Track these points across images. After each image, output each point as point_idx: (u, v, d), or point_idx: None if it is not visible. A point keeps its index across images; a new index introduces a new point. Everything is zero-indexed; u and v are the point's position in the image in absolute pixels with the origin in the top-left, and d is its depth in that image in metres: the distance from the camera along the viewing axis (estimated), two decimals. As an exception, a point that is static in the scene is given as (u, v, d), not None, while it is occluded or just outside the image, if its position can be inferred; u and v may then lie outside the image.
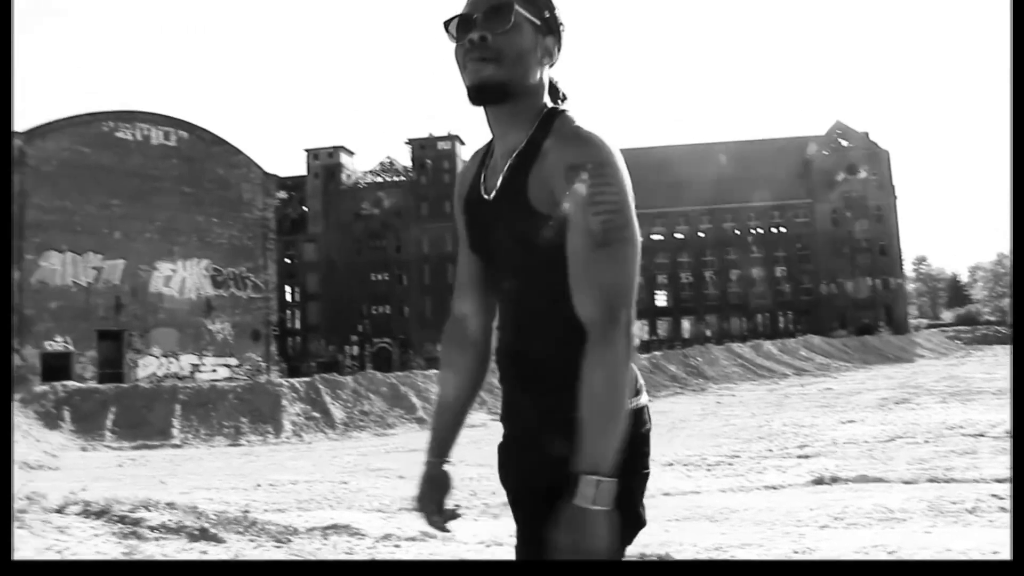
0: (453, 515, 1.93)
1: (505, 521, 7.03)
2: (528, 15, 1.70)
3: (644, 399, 1.75)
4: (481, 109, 1.76)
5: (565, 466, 1.56)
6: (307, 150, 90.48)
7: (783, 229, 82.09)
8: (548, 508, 1.57)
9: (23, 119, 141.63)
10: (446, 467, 1.94)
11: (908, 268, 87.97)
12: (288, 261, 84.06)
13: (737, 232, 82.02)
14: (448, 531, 1.94)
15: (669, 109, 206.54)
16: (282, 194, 75.80)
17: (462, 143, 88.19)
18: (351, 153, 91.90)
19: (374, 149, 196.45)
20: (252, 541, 5.79)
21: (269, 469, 13.21)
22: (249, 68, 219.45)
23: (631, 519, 1.65)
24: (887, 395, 20.08)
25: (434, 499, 1.92)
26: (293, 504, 9.05)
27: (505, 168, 1.75)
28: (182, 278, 35.15)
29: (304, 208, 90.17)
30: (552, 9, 1.75)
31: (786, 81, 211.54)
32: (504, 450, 1.87)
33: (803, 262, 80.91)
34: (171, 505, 6.77)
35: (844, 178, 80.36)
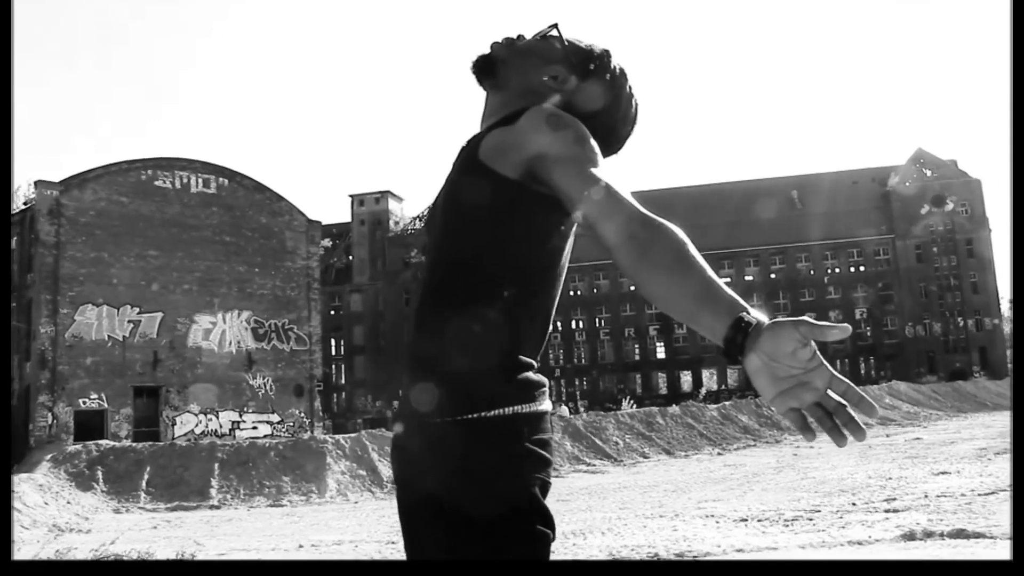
0: None
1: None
2: (549, 43, 1.82)
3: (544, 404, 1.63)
4: None
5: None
6: (352, 196, 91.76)
7: (862, 268, 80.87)
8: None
9: (64, 170, 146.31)
10: None
11: (1006, 307, 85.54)
12: (333, 312, 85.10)
13: (812, 272, 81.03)
14: None
15: (734, 142, 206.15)
16: (327, 242, 76.96)
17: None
18: (399, 199, 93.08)
19: (423, 194, 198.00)
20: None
21: (312, 530, 13.22)
22: (292, 111, 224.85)
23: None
24: (985, 445, 19.43)
25: None
26: (335, 565, 9.01)
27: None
28: (222, 331, 35.58)
29: (350, 257, 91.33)
30: (587, 58, 1.81)
31: (861, 107, 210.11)
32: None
33: (885, 303, 79.46)
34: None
35: (929, 210, 79.02)
